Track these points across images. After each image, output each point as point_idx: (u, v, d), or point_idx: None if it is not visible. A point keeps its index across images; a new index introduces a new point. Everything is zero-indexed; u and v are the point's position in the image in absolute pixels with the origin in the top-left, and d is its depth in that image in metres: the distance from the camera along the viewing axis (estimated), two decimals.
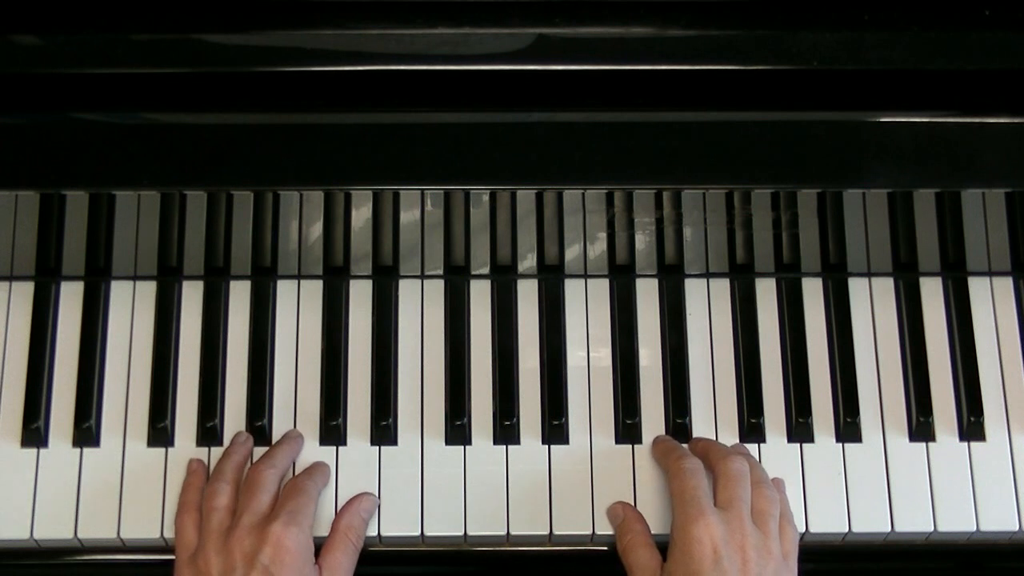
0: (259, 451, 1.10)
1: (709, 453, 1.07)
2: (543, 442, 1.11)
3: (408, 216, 1.12)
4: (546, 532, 1.09)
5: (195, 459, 1.09)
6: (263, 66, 0.99)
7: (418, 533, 1.09)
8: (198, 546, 1.03)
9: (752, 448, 1.11)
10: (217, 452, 1.10)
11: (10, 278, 1.15)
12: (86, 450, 1.10)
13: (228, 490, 1.06)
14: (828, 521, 1.09)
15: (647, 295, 1.16)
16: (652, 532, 1.07)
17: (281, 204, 1.10)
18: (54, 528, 1.08)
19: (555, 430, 1.11)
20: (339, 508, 1.08)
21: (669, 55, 0.99)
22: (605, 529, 1.09)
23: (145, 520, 1.08)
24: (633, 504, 1.09)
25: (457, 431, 1.11)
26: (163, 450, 1.11)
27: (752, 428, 1.11)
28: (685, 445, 1.10)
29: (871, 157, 0.99)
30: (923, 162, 0.99)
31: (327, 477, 1.09)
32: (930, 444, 1.12)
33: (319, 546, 1.06)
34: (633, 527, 1.06)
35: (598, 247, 1.14)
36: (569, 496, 1.09)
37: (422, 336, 1.14)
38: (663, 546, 1.04)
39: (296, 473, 1.09)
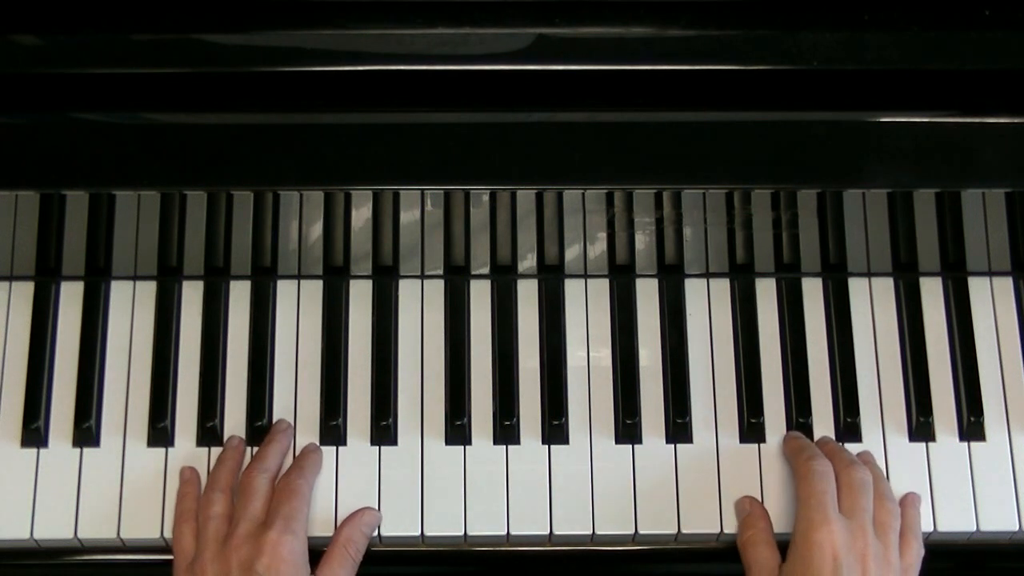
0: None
1: (833, 459, 1.07)
2: (543, 442, 1.11)
3: (408, 216, 1.12)
4: (546, 532, 1.09)
5: (187, 467, 1.09)
6: (263, 66, 0.99)
7: (418, 533, 1.09)
8: (195, 554, 1.04)
9: (751, 448, 1.11)
10: (217, 452, 1.10)
11: (10, 278, 1.15)
12: (86, 450, 1.10)
13: (223, 498, 1.06)
14: None
15: (647, 295, 1.16)
16: (645, 531, 1.08)
17: (281, 204, 1.10)
18: (54, 528, 1.08)
19: (555, 430, 1.11)
20: (340, 509, 1.08)
21: (669, 55, 0.99)
22: (604, 529, 1.09)
23: (145, 520, 1.08)
24: (632, 504, 1.09)
25: (457, 431, 1.11)
26: (163, 450, 1.11)
27: (752, 428, 1.11)
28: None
29: (871, 157, 0.99)
30: (923, 162, 0.99)
31: (319, 465, 1.09)
32: (930, 444, 1.12)
33: (318, 547, 1.06)
34: (756, 523, 1.06)
35: (598, 247, 1.14)
36: (569, 496, 1.09)
37: (422, 336, 1.14)
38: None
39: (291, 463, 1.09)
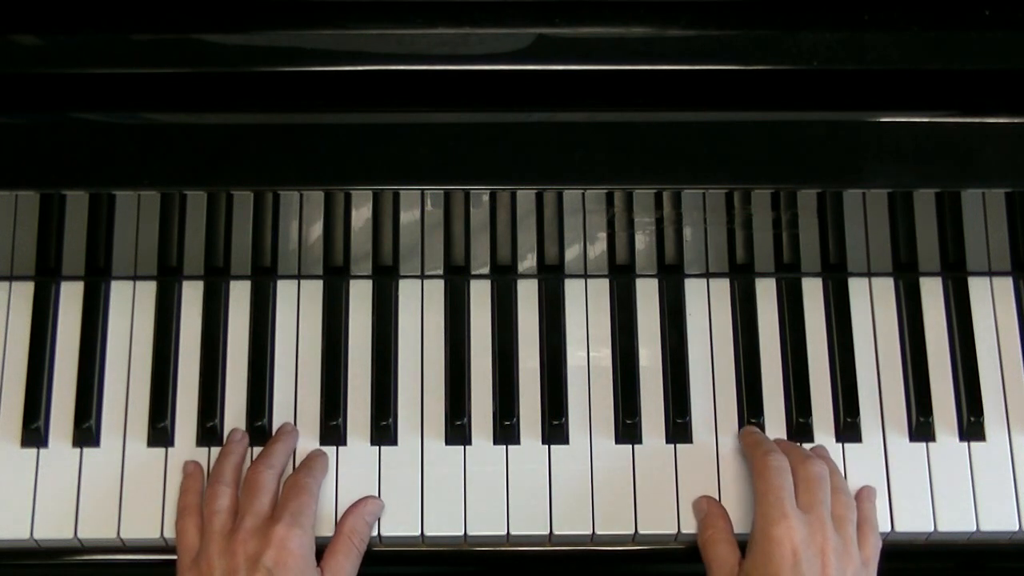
0: (258, 451, 1.10)
1: (789, 454, 1.07)
2: (543, 442, 1.11)
3: (408, 216, 1.12)
4: (546, 532, 1.09)
5: (191, 461, 1.09)
6: (263, 66, 0.99)
7: (418, 533, 1.09)
8: (200, 549, 1.03)
9: None
10: (217, 452, 1.10)
11: (10, 278, 1.15)
12: (86, 450, 1.10)
13: (229, 492, 1.06)
14: None
15: (647, 295, 1.16)
16: (645, 531, 1.08)
17: (281, 204, 1.10)
18: (54, 528, 1.08)
19: (555, 430, 1.11)
20: (340, 509, 1.08)
21: (669, 55, 0.99)
22: (605, 529, 1.09)
23: (145, 520, 1.08)
24: (632, 504, 1.09)
25: (457, 431, 1.11)
26: (163, 450, 1.11)
27: None
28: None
29: (871, 157, 0.99)
30: (923, 162, 0.99)
31: (326, 468, 1.09)
32: (930, 444, 1.12)
33: (321, 546, 1.06)
34: (715, 523, 1.07)
35: (598, 247, 1.14)
36: (569, 496, 1.09)
37: (422, 336, 1.14)
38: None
39: (295, 466, 1.09)
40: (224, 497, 1.05)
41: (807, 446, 1.11)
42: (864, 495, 1.09)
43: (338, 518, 1.08)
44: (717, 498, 1.09)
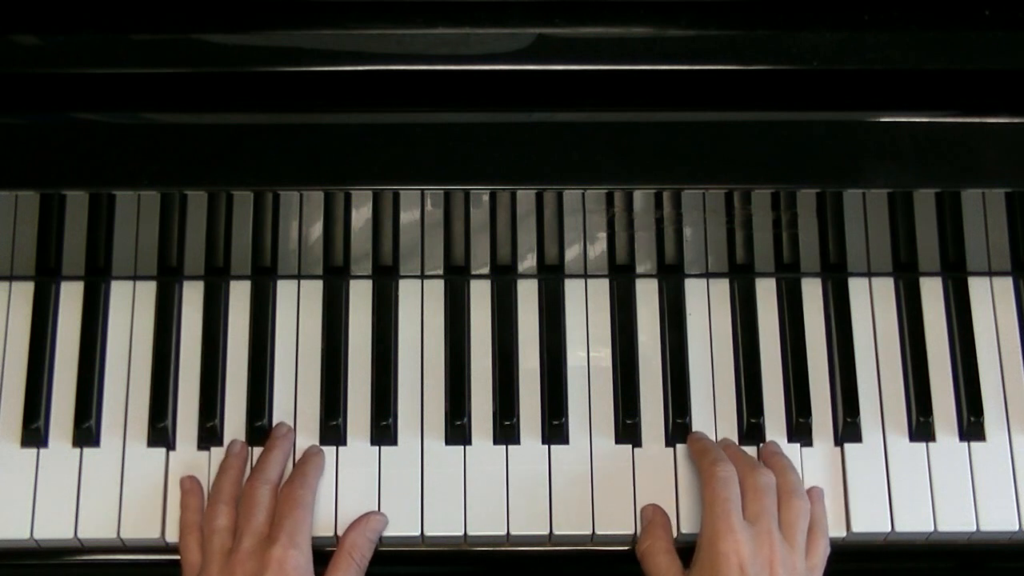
0: (259, 451, 1.10)
1: (736, 462, 1.06)
2: (543, 442, 1.11)
3: (408, 216, 1.12)
4: (546, 532, 1.09)
5: (187, 477, 1.09)
6: (263, 66, 0.99)
7: (418, 533, 1.09)
8: (201, 568, 1.04)
9: (751, 449, 1.11)
10: (217, 452, 1.10)
11: (10, 278, 1.15)
12: (86, 450, 1.10)
13: (227, 511, 1.06)
14: (828, 521, 1.09)
15: (647, 295, 1.16)
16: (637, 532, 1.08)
17: (281, 204, 1.10)
18: (54, 528, 1.08)
19: (555, 430, 1.11)
20: (340, 509, 1.08)
21: (669, 55, 0.99)
22: (605, 529, 1.09)
23: (145, 520, 1.08)
24: (632, 504, 1.09)
25: (457, 431, 1.11)
26: (163, 450, 1.11)
27: (752, 428, 1.11)
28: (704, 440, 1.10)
29: (871, 157, 0.99)
30: (923, 162, 0.99)
31: (321, 468, 1.09)
32: (930, 444, 1.12)
33: (318, 549, 1.05)
34: (656, 532, 1.06)
35: (598, 247, 1.14)
36: (569, 496, 1.09)
37: (422, 336, 1.14)
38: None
39: (295, 461, 1.10)
40: (222, 516, 1.05)
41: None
42: (814, 496, 1.08)
43: (337, 519, 1.08)
44: None
